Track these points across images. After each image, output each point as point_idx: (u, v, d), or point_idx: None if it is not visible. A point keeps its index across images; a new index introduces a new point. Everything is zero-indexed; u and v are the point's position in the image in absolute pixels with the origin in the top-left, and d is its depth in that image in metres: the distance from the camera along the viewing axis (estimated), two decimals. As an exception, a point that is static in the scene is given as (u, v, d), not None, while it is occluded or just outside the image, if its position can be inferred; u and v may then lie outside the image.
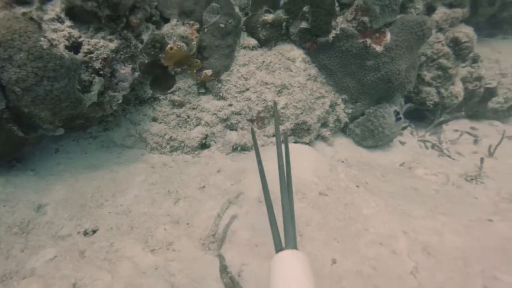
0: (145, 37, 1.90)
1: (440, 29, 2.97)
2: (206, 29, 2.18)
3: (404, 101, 3.19)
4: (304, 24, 2.36)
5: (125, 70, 1.83)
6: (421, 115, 3.50)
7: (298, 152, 2.21)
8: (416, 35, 2.37)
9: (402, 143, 3.12)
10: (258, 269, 1.63)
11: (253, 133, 1.85)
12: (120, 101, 1.96)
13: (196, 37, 2.11)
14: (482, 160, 2.84)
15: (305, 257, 0.98)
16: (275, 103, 2.24)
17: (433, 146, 3.11)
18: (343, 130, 2.91)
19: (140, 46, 1.89)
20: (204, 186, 2.10)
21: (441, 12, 2.93)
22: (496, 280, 1.63)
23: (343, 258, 1.68)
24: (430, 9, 2.60)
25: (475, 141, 3.34)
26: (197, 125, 2.32)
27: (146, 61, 1.97)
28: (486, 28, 4.44)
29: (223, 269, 1.55)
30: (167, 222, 1.86)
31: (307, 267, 0.93)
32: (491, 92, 3.68)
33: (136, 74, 1.96)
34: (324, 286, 1.57)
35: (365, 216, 1.92)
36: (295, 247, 1.01)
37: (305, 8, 2.31)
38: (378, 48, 2.34)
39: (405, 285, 1.61)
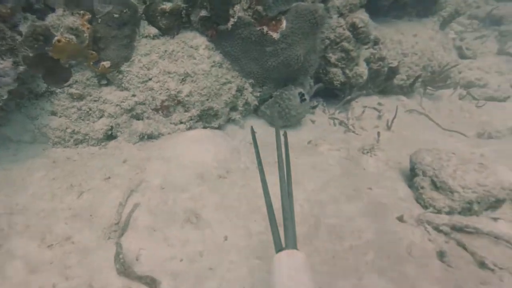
0: (24, 28, 1.83)
1: (341, 14, 3.19)
2: (99, 20, 2.14)
3: (315, 82, 3.43)
4: (203, 12, 2.41)
5: (3, 64, 1.76)
6: (334, 93, 3.79)
7: (197, 138, 2.33)
8: (310, 23, 2.54)
9: (313, 121, 3.38)
10: (154, 252, 1.76)
11: (253, 133, 1.80)
12: (5, 96, 1.89)
13: (88, 28, 2.07)
14: (378, 134, 3.20)
15: (305, 257, 0.99)
16: (275, 103, 2.24)
17: (340, 123, 3.42)
18: (256, 112, 3.08)
19: (19, 38, 1.82)
20: (109, 177, 2.15)
21: (341, -2, 3.14)
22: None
23: (233, 234, 1.87)
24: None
25: (379, 116, 3.72)
26: (100, 117, 2.32)
27: (31, 55, 1.91)
28: (394, 10, 4.82)
29: (116, 255, 1.65)
30: (68, 216, 1.89)
31: (307, 267, 0.95)
32: (393, 71, 4.07)
33: (21, 68, 1.89)
34: (216, 259, 1.75)
35: (259, 194, 2.12)
36: (295, 247, 1.02)
37: (203, -3, 2.35)
38: (275, 35, 2.49)
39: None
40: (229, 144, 2.44)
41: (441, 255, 1.94)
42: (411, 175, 2.60)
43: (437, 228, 2.16)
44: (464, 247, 2.01)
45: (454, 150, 3.06)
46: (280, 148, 1.51)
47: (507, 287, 1.70)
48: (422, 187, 2.39)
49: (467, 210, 2.29)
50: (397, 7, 4.85)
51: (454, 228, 2.15)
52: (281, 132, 1.67)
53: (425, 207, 2.36)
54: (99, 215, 1.94)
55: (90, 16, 2.09)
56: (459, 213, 2.31)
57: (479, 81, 5.07)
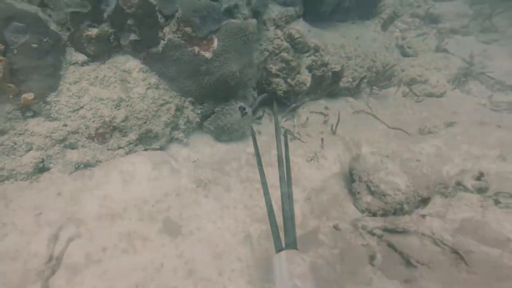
0: None
1: (278, 26, 3.27)
2: (15, 51, 2.06)
3: (259, 92, 3.49)
4: (133, 36, 2.39)
5: None
6: (282, 101, 3.86)
7: (135, 163, 2.31)
8: (242, 40, 2.59)
9: (259, 132, 3.44)
10: (88, 289, 1.73)
11: (253, 133, 1.77)
12: None
13: (1, 60, 1.99)
14: (322, 140, 3.31)
15: (303, 256, 1.04)
16: (274, 103, 2.20)
17: (286, 131, 3.50)
18: (201, 127, 3.08)
19: None
20: (40, 213, 2.08)
21: (276, 11, 3.22)
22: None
23: (170, 261, 1.88)
24: (255, 13, 2.83)
25: (325, 122, 3.84)
26: (29, 150, 2.24)
27: None
28: (338, 14, 5.00)
29: (42, 300, 1.61)
30: (-10, 261, 1.81)
31: (306, 265, 1.00)
32: (338, 75, 4.22)
33: None
34: (152, 284, 1.75)
35: (196, 215, 2.14)
36: (295, 247, 1.08)
37: (129, 22, 2.33)
38: (207, 55, 2.51)
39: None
40: (168, 166, 2.44)
41: (371, 258, 2.06)
42: (351, 181, 2.72)
43: (371, 232, 2.28)
44: (393, 248, 2.15)
45: (395, 149, 3.25)
46: (280, 148, 1.53)
47: (425, 282, 1.84)
48: (359, 192, 2.52)
49: (400, 210, 2.44)
50: (340, 11, 5.03)
51: (386, 230, 2.28)
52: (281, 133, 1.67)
53: (362, 211, 2.48)
54: (27, 256, 1.87)
55: (3, 47, 2.01)
56: (393, 214, 2.45)
57: (421, 77, 5.36)
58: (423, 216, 2.43)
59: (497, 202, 2.77)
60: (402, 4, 5.24)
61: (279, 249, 1.08)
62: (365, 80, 4.72)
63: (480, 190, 2.85)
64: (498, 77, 5.27)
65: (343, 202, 2.56)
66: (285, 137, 1.69)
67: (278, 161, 1.49)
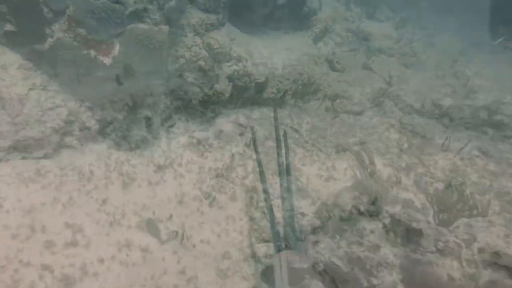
0: None
1: (197, 33, 3.10)
2: None
3: (173, 100, 3.31)
4: (9, 27, 2.05)
5: None
6: (200, 110, 3.71)
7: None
8: (148, 48, 2.39)
9: (170, 141, 3.26)
10: None
11: (252, 132, 1.61)
12: None
13: None
14: (233, 156, 3.27)
15: (303, 255, 1.14)
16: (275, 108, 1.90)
17: (199, 142, 3.38)
18: (102, 134, 2.81)
19: None
20: None
21: (197, 17, 3.05)
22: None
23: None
24: (167, 20, 2.63)
25: (241, 134, 3.77)
26: None
27: None
28: (271, 21, 4.98)
29: None
30: None
31: (305, 264, 1.12)
32: (262, 85, 4.21)
33: None
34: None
35: (82, 237, 1.95)
36: (295, 247, 1.17)
37: (2, 8, 1.98)
38: (107, 60, 2.27)
39: None
40: (48, 183, 2.16)
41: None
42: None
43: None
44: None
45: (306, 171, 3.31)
46: (281, 153, 1.54)
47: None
48: (254, 218, 2.52)
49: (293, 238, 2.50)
50: (274, 19, 5.03)
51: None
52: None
53: (258, 239, 2.50)
54: None
55: None
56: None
57: (345, 93, 5.61)
58: (316, 242, 2.54)
59: (384, 226, 3.02)
60: (334, 20, 5.40)
61: (279, 249, 1.17)
62: (290, 92, 4.78)
63: (372, 214, 3.07)
64: (408, 101, 5.74)
65: (243, 229, 2.55)
66: (285, 137, 1.73)
67: (279, 169, 1.57)
